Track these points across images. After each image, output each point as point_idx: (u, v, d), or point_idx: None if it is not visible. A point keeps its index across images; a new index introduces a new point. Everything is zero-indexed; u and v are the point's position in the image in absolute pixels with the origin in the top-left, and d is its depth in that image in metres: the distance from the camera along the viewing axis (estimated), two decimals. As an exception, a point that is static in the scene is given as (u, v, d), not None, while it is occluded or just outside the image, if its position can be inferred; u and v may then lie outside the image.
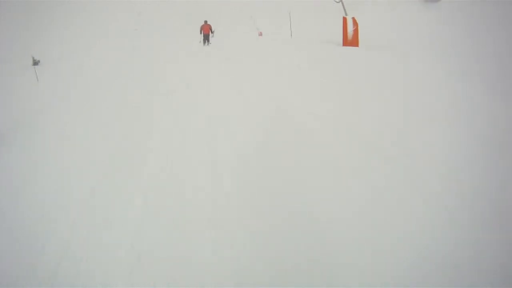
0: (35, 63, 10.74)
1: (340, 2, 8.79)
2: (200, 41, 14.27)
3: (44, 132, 5.20)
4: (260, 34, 17.26)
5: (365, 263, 2.47)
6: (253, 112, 4.78)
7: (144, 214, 3.11)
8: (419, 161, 3.37)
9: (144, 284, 2.52)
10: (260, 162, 3.59)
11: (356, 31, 7.94)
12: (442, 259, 2.43)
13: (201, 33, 14.34)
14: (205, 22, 14.46)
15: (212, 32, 14.35)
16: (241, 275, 2.45)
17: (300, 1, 18.20)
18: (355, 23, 8.03)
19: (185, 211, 3.06)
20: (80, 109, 5.88)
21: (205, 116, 4.85)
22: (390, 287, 2.30)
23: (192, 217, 2.97)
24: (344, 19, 8.09)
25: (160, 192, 3.35)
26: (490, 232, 2.68)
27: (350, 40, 7.82)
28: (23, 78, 10.12)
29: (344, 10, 8.49)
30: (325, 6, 14.81)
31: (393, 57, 6.84)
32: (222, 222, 2.87)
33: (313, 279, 2.37)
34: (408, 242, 2.55)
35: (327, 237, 2.62)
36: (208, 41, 14.31)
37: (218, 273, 2.48)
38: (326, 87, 5.46)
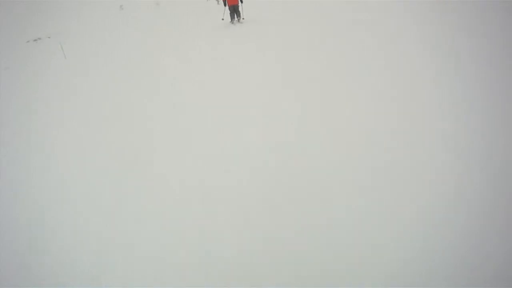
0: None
1: None
2: (222, 18, 11.08)
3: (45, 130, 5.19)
4: None
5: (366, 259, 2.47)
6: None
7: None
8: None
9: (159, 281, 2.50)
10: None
11: None
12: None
13: (225, 5, 10.77)
14: None
15: (241, 2, 10.71)
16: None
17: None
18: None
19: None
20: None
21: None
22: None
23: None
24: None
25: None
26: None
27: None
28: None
29: None
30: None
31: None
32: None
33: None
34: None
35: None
36: (238, 15, 10.85)
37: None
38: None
